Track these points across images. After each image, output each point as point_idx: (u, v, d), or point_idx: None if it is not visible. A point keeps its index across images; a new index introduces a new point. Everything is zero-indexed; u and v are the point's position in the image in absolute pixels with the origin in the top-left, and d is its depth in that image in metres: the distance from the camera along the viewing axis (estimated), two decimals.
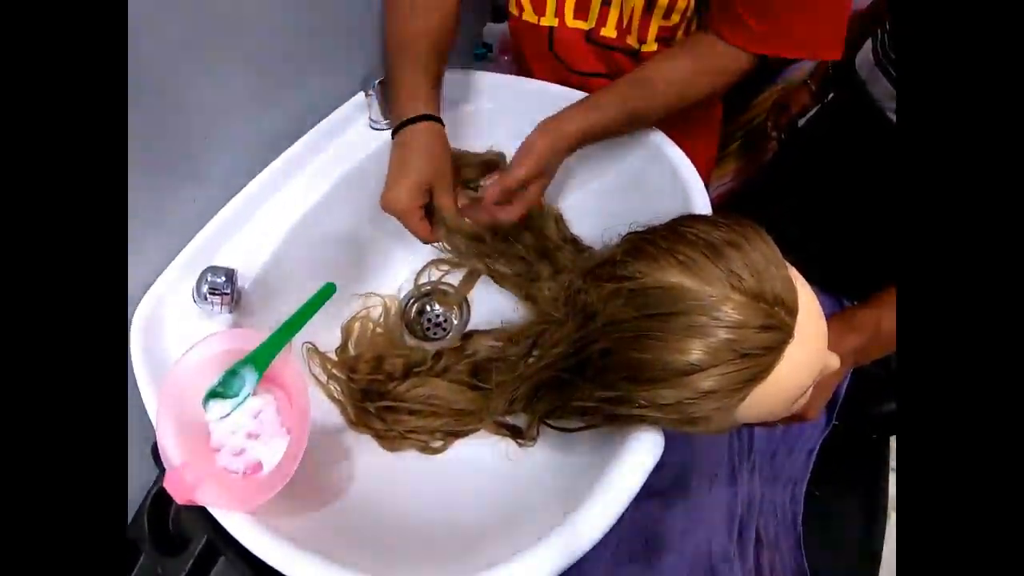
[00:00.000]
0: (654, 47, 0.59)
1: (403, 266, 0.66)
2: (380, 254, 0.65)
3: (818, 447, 0.59)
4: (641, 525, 0.50)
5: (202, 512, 0.38)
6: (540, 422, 0.46)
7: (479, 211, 0.51)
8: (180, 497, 0.37)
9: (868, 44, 0.74)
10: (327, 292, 0.47)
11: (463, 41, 0.88)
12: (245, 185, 0.53)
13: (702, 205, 0.52)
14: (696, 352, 0.32)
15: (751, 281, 0.32)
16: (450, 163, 0.51)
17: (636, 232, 0.38)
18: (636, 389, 0.34)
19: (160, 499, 0.48)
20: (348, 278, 0.61)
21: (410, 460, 0.51)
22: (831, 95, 0.88)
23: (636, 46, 0.59)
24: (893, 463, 0.65)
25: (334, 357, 0.57)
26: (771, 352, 0.32)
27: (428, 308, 0.64)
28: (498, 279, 0.61)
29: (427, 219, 0.50)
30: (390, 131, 0.50)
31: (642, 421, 0.38)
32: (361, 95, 0.59)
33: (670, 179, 0.55)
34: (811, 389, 0.37)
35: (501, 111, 0.65)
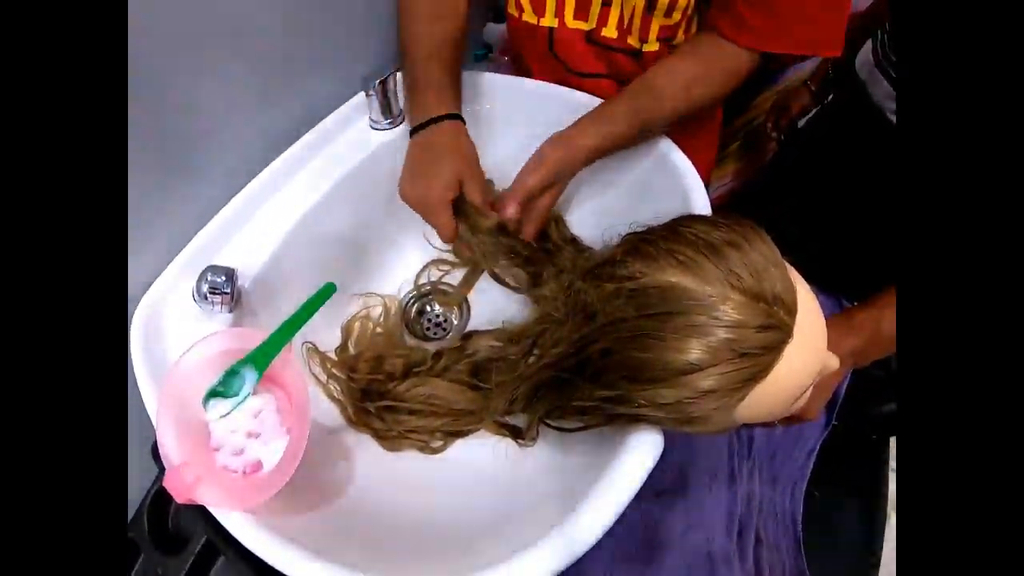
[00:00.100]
0: (656, 47, 0.59)
1: (403, 266, 0.66)
2: (380, 254, 0.65)
3: (818, 448, 0.59)
4: (641, 525, 0.50)
5: (202, 511, 0.38)
6: (540, 422, 0.46)
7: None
8: (180, 496, 0.37)
9: (868, 45, 0.74)
10: (327, 292, 0.47)
11: None
12: (245, 185, 0.53)
13: (702, 205, 0.52)
14: (695, 351, 0.32)
15: (750, 281, 0.32)
16: (478, 160, 0.52)
17: (636, 232, 0.38)
18: (636, 389, 0.34)
19: (160, 498, 0.48)
20: (348, 278, 0.61)
21: (410, 460, 0.51)
22: (831, 96, 0.88)
23: (638, 46, 0.59)
24: (893, 463, 0.65)
25: (334, 357, 0.57)
26: (770, 352, 0.32)
27: (428, 308, 0.64)
28: (499, 279, 0.61)
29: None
30: (391, 130, 0.50)
31: (642, 421, 0.38)
32: (361, 95, 0.59)
33: (670, 179, 0.55)
34: (810, 389, 0.37)
35: (501, 112, 0.65)
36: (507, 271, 0.60)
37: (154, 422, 0.40)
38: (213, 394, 0.41)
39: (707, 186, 0.54)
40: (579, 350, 0.37)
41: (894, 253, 0.29)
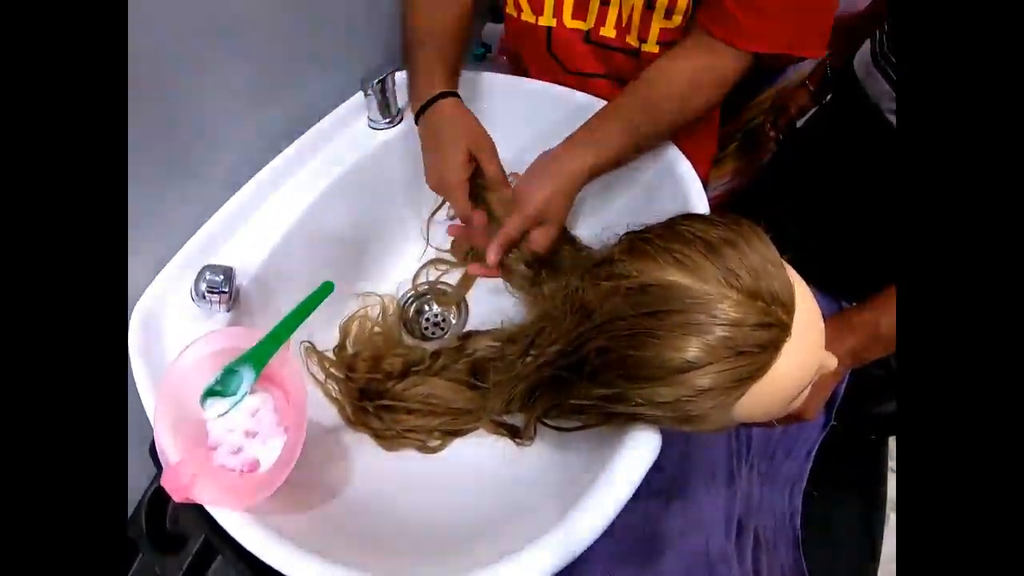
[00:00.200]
0: (655, 48, 0.59)
1: (401, 266, 0.66)
2: (378, 253, 0.65)
3: (817, 447, 0.59)
4: (639, 525, 0.49)
5: (200, 510, 0.38)
6: (538, 421, 0.46)
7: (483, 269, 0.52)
8: (177, 495, 0.37)
9: (867, 45, 0.74)
10: (325, 291, 0.47)
11: None
12: (244, 184, 0.53)
13: (700, 205, 0.52)
14: (693, 350, 0.32)
15: (748, 279, 0.32)
16: (484, 129, 0.52)
17: (634, 231, 0.38)
18: (633, 387, 0.34)
19: (158, 497, 0.48)
20: (346, 277, 0.61)
21: (408, 459, 0.51)
22: (829, 96, 0.88)
23: (636, 45, 0.59)
24: (892, 463, 0.65)
25: (332, 356, 0.57)
26: (768, 350, 0.32)
27: (426, 308, 0.64)
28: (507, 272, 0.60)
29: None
30: (390, 129, 0.50)
31: (640, 420, 0.38)
32: (360, 95, 0.59)
33: (668, 179, 0.55)
34: (809, 389, 0.37)
35: (500, 111, 0.65)
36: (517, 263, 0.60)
37: (152, 420, 0.40)
38: (211, 393, 0.41)
39: (706, 186, 0.54)
40: (576, 349, 0.37)
41: (893, 253, 0.29)
